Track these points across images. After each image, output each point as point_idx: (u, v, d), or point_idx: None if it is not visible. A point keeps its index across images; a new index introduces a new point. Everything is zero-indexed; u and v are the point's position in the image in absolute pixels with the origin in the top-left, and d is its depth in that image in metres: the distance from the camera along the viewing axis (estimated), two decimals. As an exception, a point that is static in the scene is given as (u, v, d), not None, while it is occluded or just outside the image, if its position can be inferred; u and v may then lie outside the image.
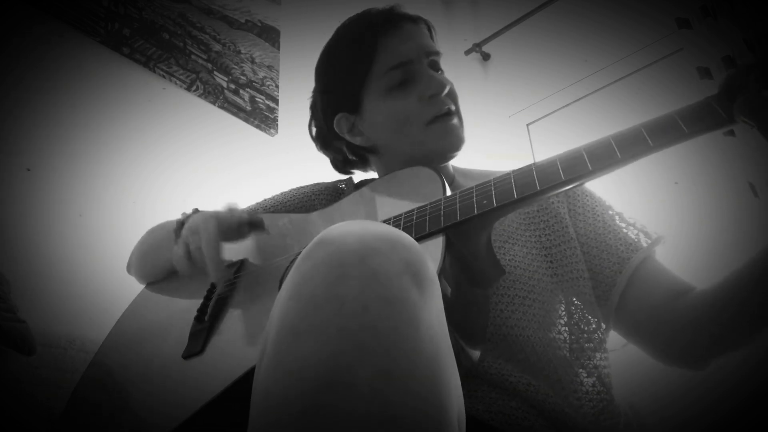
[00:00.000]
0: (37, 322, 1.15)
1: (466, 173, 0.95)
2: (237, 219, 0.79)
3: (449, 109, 0.85)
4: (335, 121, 0.91)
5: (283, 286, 0.44)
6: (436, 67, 0.88)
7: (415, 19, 0.90)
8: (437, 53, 0.88)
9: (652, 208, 1.98)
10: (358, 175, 1.04)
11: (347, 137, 0.91)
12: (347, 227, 0.44)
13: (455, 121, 0.85)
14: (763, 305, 0.65)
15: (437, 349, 0.40)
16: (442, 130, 0.84)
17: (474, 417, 0.63)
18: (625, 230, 0.81)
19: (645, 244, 0.79)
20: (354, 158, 0.97)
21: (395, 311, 0.39)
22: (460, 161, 0.94)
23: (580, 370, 0.72)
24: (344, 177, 1.02)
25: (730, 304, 0.68)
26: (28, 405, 1.11)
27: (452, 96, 0.87)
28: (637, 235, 0.80)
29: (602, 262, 0.78)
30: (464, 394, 0.64)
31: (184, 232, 0.78)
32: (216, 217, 0.76)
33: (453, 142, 0.85)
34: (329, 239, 0.43)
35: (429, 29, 0.92)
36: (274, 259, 0.79)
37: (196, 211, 0.84)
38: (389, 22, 0.86)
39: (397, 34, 0.86)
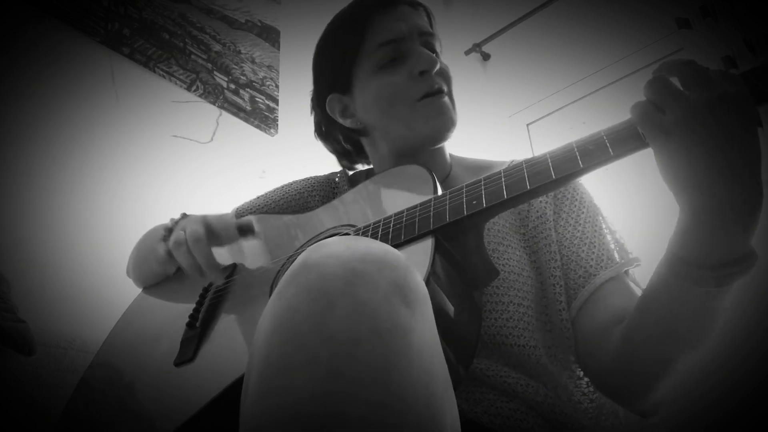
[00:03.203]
0: (37, 322, 1.15)
1: (464, 163, 0.93)
2: (225, 223, 0.77)
3: (440, 89, 0.81)
4: (327, 103, 0.89)
5: (266, 313, 0.42)
6: (430, 47, 0.85)
7: (412, 3, 0.88)
8: (431, 34, 0.85)
9: (652, 209, 1.98)
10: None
11: (339, 119, 0.89)
12: (331, 248, 0.42)
13: (446, 100, 0.82)
14: (677, 326, 0.58)
15: (430, 372, 0.39)
16: (431, 109, 0.80)
17: (472, 420, 0.62)
18: (603, 244, 0.76)
19: (615, 263, 0.73)
20: (349, 147, 0.94)
21: (385, 342, 0.37)
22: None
23: (577, 370, 0.72)
24: (338, 169, 1.01)
25: (643, 327, 0.61)
26: (29, 405, 1.11)
27: (444, 76, 0.84)
28: (612, 253, 0.75)
29: (570, 273, 0.74)
30: (462, 397, 0.63)
31: (171, 236, 0.77)
32: (203, 220, 0.76)
33: (442, 123, 0.81)
34: (312, 263, 0.41)
35: (428, 16, 0.90)
36: (266, 262, 0.78)
37: (184, 215, 0.83)
38: (383, 2, 0.85)
39: (390, 13, 0.84)
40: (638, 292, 0.72)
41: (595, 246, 0.76)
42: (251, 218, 0.81)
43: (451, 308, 0.55)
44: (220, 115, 1.70)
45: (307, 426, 0.34)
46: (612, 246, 0.76)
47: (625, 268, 0.74)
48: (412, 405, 0.36)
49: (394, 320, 0.38)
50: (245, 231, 0.79)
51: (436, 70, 0.81)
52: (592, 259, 0.75)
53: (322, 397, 0.35)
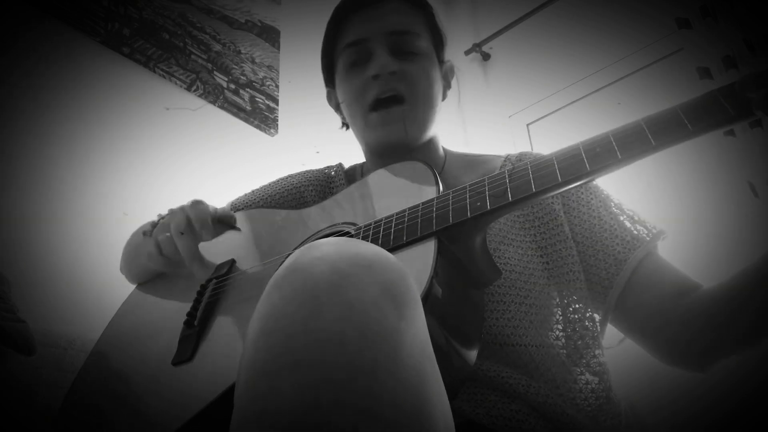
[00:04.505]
0: (37, 322, 1.15)
1: (459, 157, 0.92)
2: (201, 216, 0.73)
3: (393, 94, 0.79)
4: (327, 96, 0.96)
5: (254, 316, 0.41)
6: (399, 46, 0.82)
7: None
8: (405, 33, 0.82)
9: (651, 209, 1.98)
10: (347, 161, 1.03)
11: (337, 112, 0.95)
12: (320, 250, 0.42)
13: (401, 109, 0.80)
14: None
15: (420, 374, 0.38)
16: (379, 119, 0.80)
17: (474, 421, 0.62)
18: (623, 225, 0.77)
19: (644, 242, 0.74)
20: None
21: (374, 344, 0.36)
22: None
23: (578, 370, 0.72)
24: (333, 164, 1.01)
25: (744, 305, 0.64)
26: (29, 405, 1.11)
27: (407, 80, 0.80)
28: (635, 231, 0.76)
29: (598, 263, 0.74)
30: (464, 398, 0.63)
31: (155, 230, 0.76)
32: (184, 211, 0.74)
33: (389, 134, 0.80)
34: (300, 266, 0.41)
35: (425, 11, 0.86)
36: (266, 259, 0.78)
37: (170, 212, 0.83)
38: (360, 1, 0.83)
39: (365, 12, 0.82)
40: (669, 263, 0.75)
41: (616, 230, 0.76)
42: (234, 213, 0.79)
43: (453, 309, 0.55)
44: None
45: (292, 426, 0.34)
46: (630, 225, 0.76)
47: (655, 243, 0.75)
48: (401, 410, 0.35)
49: (382, 323, 0.38)
50: (225, 225, 0.76)
51: (390, 72, 0.79)
52: (617, 245, 0.75)
53: (307, 405, 0.34)
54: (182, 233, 0.71)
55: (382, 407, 0.35)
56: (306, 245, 0.44)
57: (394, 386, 0.36)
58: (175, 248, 0.72)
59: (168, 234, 0.73)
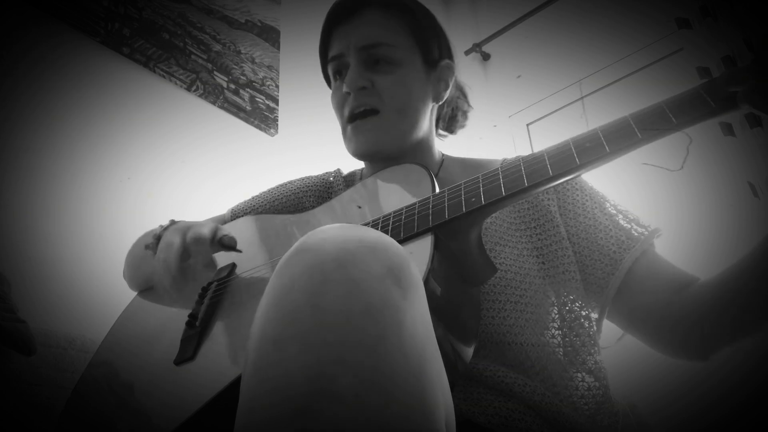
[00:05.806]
0: (37, 322, 1.15)
1: (457, 162, 0.93)
2: (200, 240, 0.73)
3: (365, 110, 0.82)
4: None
5: (264, 295, 0.43)
6: (372, 61, 0.83)
7: (366, 6, 0.84)
8: (374, 46, 0.82)
9: (652, 209, 1.98)
10: (345, 166, 1.03)
11: None
12: (326, 233, 0.44)
13: (374, 121, 0.82)
14: None
15: (422, 352, 0.40)
16: (353, 131, 0.83)
17: (471, 420, 0.63)
18: (618, 225, 0.78)
19: (639, 241, 0.76)
20: None
21: (378, 318, 0.38)
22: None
23: (575, 369, 0.72)
24: (332, 169, 1.01)
25: (739, 294, 0.66)
26: (29, 405, 1.11)
27: (378, 93, 0.82)
28: (631, 230, 0.77)
29: (594, 263, 0.75)
30: (460, 397, 0.64)
31: (158, 254, 0.74)
32: (183, 233, 0.74)
33: (362, 144, 0.82)
34: (308, 246, 0.43)
35: (402, 15, 0.85)
36: (266, 261, 0.79)
37: (172, 222, 0.81)
38: (342, 11, 0.85)
39: (342, 27, 0.85)
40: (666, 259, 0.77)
41: (611, 230, 0.77)
42: (234, 236, 0.78)
43: (450, 305, 0.55)
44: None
45: (298, 401, 0.35)
46: (625, 224, 0.78)
47: (650, 241, 0.76)
48: (402, 382, 0.37)
49: (385, 300, 0.39)
50: (227, 247, 0.75)
51: (359, 87, 0.81)
52: (612, 245, 0.76)
53: (313, 372, 0.36)
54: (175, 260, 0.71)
55: (384, 377, 0.36)
56: (313, 230, 0.46)
57: (396, 360, 0.37)
58: (167, 271, 0.72)
59: (160, 257, 0.73)
